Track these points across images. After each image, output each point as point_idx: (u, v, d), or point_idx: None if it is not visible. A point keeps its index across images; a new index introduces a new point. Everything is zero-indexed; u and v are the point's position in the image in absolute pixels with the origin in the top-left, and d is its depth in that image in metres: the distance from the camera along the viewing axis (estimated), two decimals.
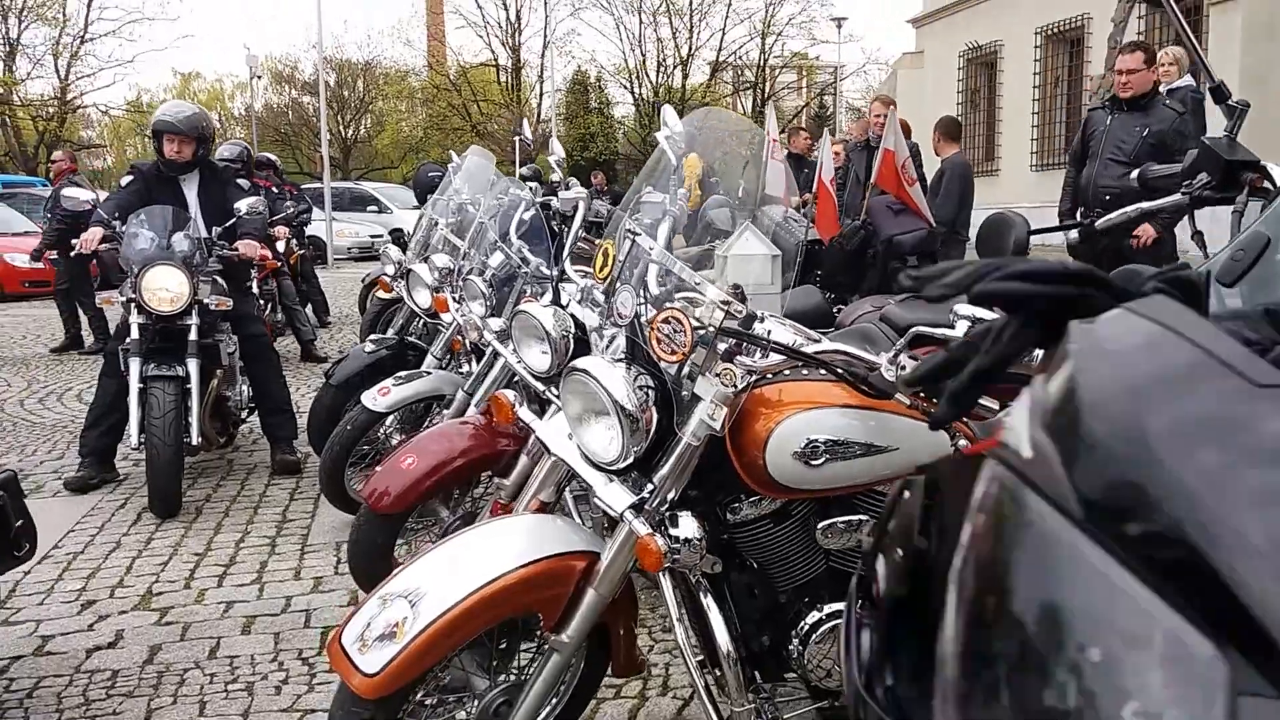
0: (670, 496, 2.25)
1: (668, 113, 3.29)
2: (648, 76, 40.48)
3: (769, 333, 2.25)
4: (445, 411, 4.72)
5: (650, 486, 2.27)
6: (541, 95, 42.90)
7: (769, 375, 2.28)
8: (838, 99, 44.57)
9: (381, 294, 8.37)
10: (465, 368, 5.34)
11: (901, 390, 2.09)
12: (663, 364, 2.29)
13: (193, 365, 5.03)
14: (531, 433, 2.81)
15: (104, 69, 45.78)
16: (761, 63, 40.52)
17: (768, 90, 40.99)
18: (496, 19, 41.97)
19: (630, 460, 2.26)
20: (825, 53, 40.57)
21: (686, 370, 2.27)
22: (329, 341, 11.17)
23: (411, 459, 3.52)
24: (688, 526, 2.23)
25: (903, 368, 2.07)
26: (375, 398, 4.62)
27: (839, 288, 5.15)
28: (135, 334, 5.04)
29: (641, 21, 39.84)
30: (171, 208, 5.42)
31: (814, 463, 2.22)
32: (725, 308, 2.15)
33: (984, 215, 3.75)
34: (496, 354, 4.19)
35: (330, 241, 21.86)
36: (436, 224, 5.66)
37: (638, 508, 2.24)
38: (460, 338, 4.90)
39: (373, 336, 5.73)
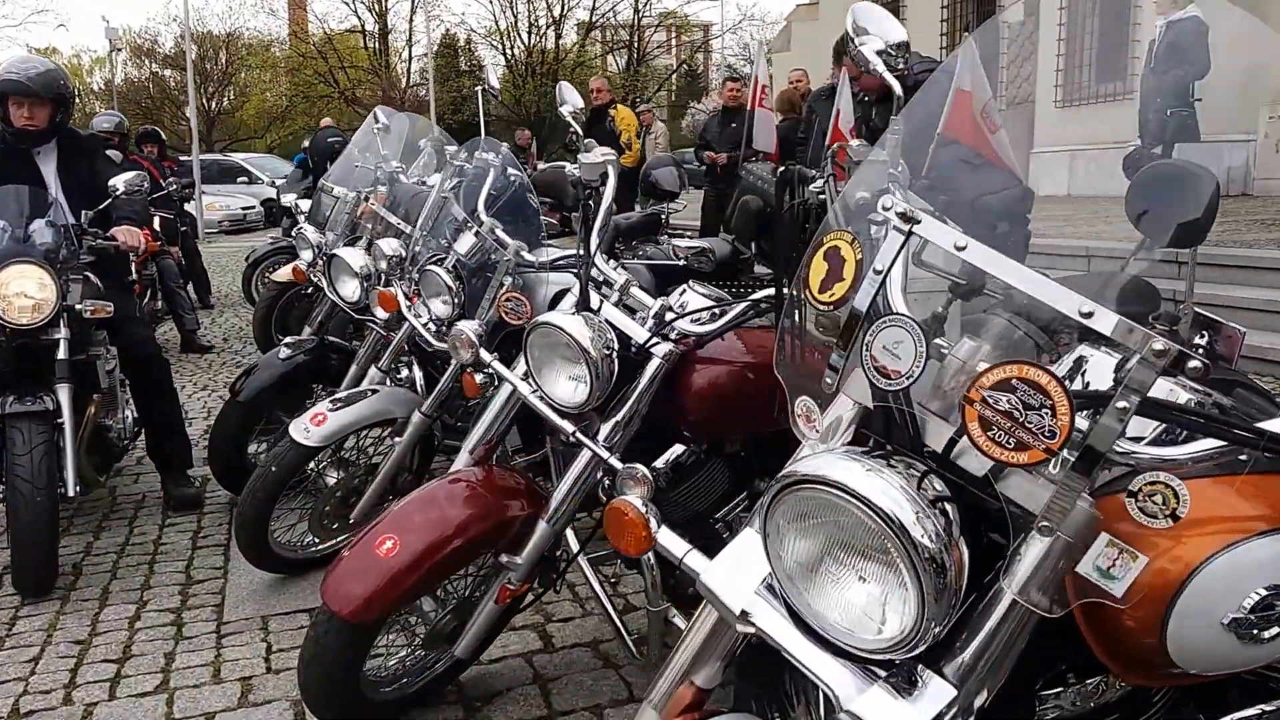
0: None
1: (564, 88, 3.29)
2: (520, 37, 38.89)
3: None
4: (397, 440, 3.56)
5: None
6: (410, 59, 41.08)
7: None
8: (708, 58, 43.65)
9: (278, 279, 7.10)
10: (404, 374, 4.19)
11: None
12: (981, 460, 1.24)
13: (64, 393, 3.67)
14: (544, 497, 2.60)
15: None
16: (635, 22, 39.21)
17: (641, 51, 39.76)
18: None
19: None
20: (703, 12, 39.44)
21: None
22: (211, 328, 9.74)
23: (390, 542, 2.39)
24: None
25: None
26: (307, 428, 3.44)
27: None
28: None
29: None
30: (26, 188, 4.04)
31: (1265, 633, 1.18)
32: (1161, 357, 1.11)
33: None
34: (491, 383, 3.07)
35: (200, 216, 20.09)
36: (363, 199, 4.44)
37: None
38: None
39: (287, 340, 4.49)
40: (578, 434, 2.45)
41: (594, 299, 2.58)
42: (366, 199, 4.37)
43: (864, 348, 1.38)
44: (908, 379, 1.33)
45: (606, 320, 2.47)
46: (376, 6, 39.84)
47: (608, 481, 2.51)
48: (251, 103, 42.67)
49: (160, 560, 4.00)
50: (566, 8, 38.31)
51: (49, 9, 62.83)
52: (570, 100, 4.10)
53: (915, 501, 1.26)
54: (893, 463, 1.33)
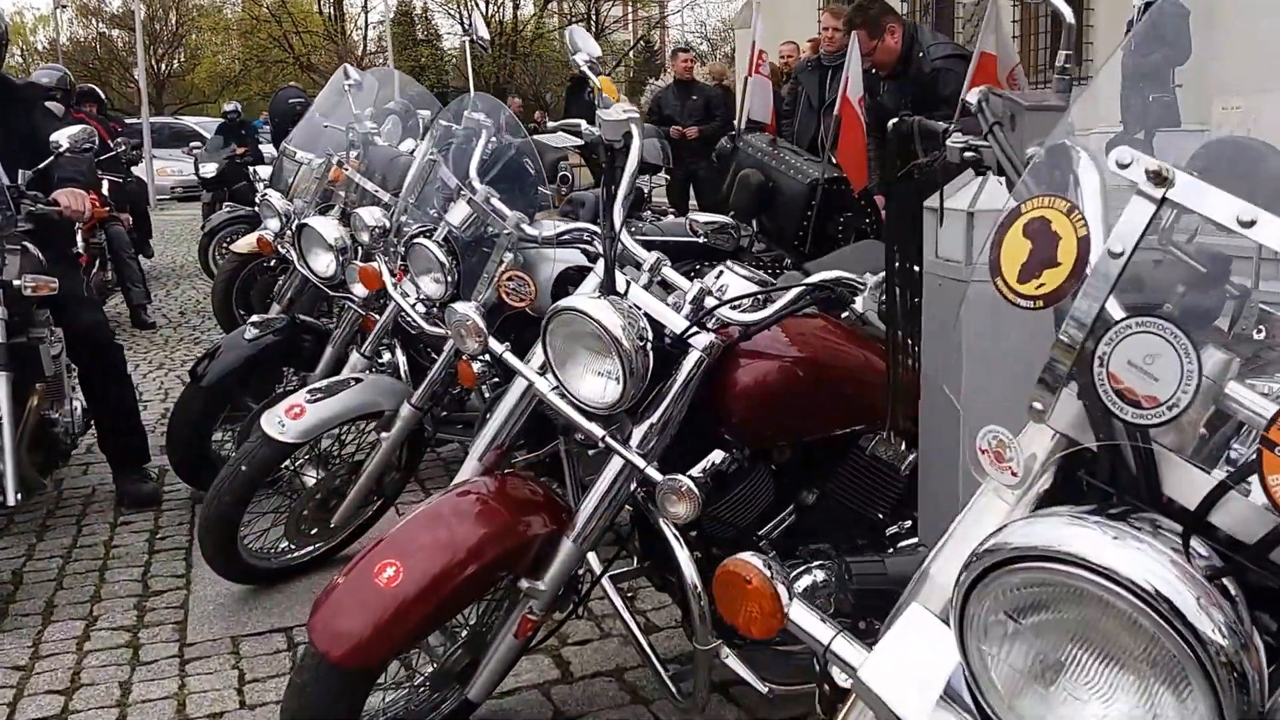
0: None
1: (577, 33, 2.85)
2: (478, 7, 38.01)
3: None
4: (384, 436, 3.15)
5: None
6: (367, 26, 40.15)
7: None
8: (664, 34, 42.97)
9: (238, 250, 6.62)
10: (386, 358, 3.77)
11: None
12: None
13: (2, 390, 3.20)
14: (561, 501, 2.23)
15: None
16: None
17: (600, 25, 39.06)
18: None
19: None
20: None
21: None
22: (166, 300, 9.21)
23: (392, 569, 1.99)
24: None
25: None
26: (282, 421, 3.01)
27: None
28: None
29: None
30: None
31: None
32: None
33: None
34: (490, 371, 2.68)
35: (152, 181, 19.31)
36: (334, 163, 3.99)
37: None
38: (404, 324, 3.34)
39: (254, 319, 4.04)
40: (608, 439, 2.05)
41: (620, 280, 2.18)
42: (340, 164, 3.91)
43: (1096, 361, 0.99)
44: (1169, 410, 0.94)
45: (637, 306, 2.07)
46: None
47: (642, 494, 2.13)
48: (203, 66, 41.51)
49: (113, 566, 3.56)
50: None
51: None
52: (585, 48, 3.68)
53: (1193, 580, 0.89)
54: (1138, 525, 0.95)
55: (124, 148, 8.61)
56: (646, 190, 5.50)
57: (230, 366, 3.87)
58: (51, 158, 3.60)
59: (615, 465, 2.09)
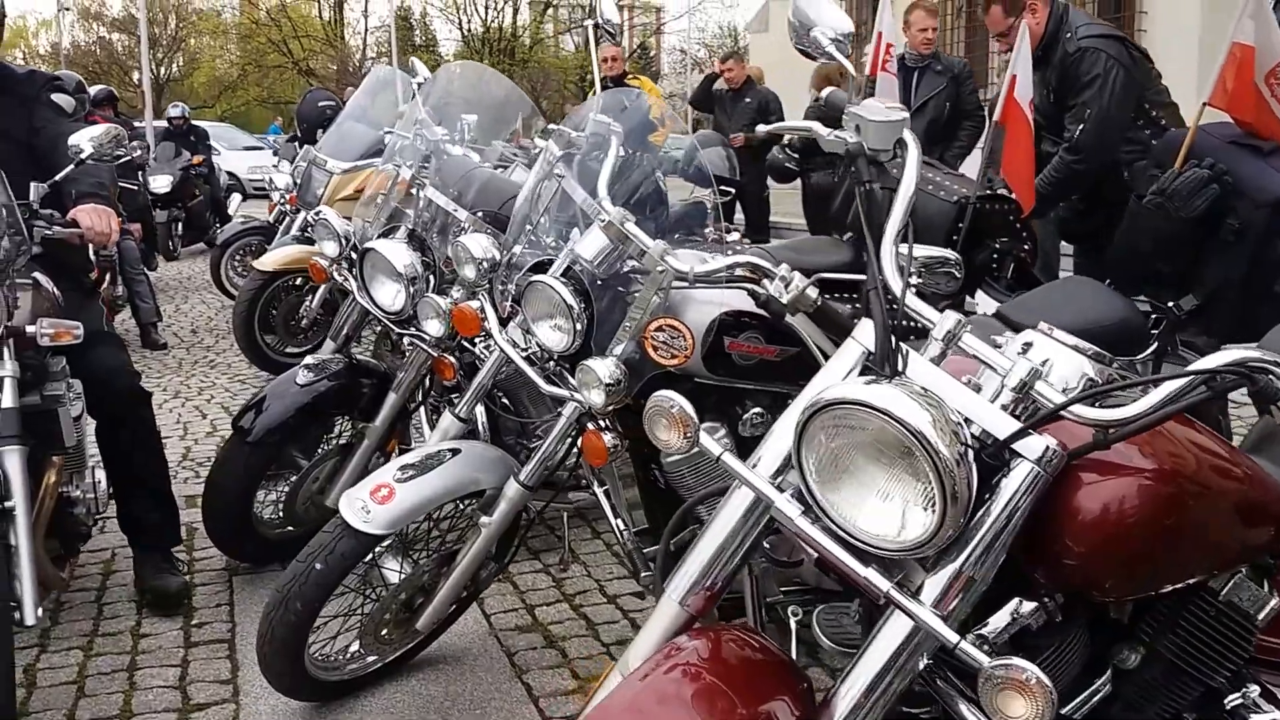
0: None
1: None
2: (477, 12, 37.32)
3: None
4: (484, 520, 2.49)
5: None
6: (366, 31, 39.43)
7: None
8: (660, 40, 42.31)
9: (262, 267, 5.94)
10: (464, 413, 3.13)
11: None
12: None
13: (12, 462, 2.39)
14: None
15: None
16: (593, 3, 37.71)
17: (599, 33, 38.30)
18: None
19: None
20: None
21: None
22: (175, 316, 8.50)
23: None
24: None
25: None
26: (366, 506, 2.34)
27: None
28: None
29: None
30: None
31: None
32: None
33: None
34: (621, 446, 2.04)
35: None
36: (400, 175, 3.32)
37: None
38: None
39: (308, 360, 3.37)
40: (893, 593, 1.38)
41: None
42: (416, 178, 3.23)
43: None
44: None
45: (936, 394, 1.41)
46: None
47: (941, 676, 1.46)
48: (202, 70, 40.79)
49: (143, 664, 2.88)
50: None
51: None
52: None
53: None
54: None
55: (138, 152, 7.91)
56: (714, 208, 4.85)
57: (280, 419, 3.21)
58: (70, 166, 2.88)
59: (898, 629, 1.42)
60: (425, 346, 3.16)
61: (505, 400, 3.32)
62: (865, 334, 1.55)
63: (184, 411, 5.53)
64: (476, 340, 3.02)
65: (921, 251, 2.43)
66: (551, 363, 2.41)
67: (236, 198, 13.11)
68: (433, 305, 3.03)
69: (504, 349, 2.46)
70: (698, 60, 38.38)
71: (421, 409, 3.55)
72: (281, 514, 3.50)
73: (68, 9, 34.63)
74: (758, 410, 2.52)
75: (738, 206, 8.34)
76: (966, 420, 1.38)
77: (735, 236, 4.46)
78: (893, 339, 1.44)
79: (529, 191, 2.55)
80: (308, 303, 5.98)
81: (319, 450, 3.53)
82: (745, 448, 2.39)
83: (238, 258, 8.45)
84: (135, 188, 7.92)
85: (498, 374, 2.72)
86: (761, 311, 2.27)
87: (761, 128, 2.45)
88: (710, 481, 2.45)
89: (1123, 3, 11.12)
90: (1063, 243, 4.52)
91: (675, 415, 1.55)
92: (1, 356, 2.45)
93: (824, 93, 2.05)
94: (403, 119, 3.57)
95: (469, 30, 37.25)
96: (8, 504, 2.33)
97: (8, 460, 2.39)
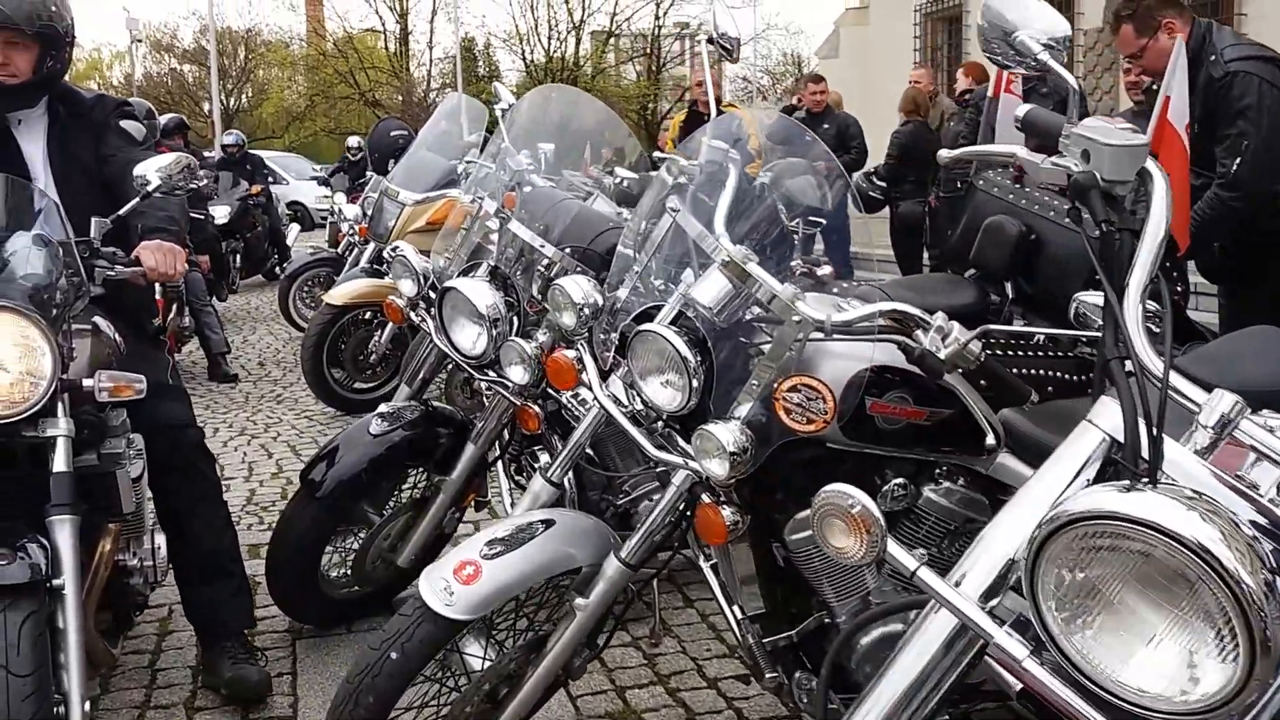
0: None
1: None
2: (540, 42, 37.42)
3: None
4: (579, 602, 2.16)
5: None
6: (431, 63, 39.71)
7: None
8: (722, 68, 42.12)
9: (331, 301, 5.70)
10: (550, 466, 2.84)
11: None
12: None
13: (64, 534, 2.07)
14: None
15: None
16: (655, 31, 37.65)
17: (660, 60, 38.26)
18: None
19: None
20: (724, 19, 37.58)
21: None
22: (243, 348, 8.33)
23: None
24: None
25: None
26: (449, 587, 2.03)
27: None
28: None
29: None
30: (9, 179, 2.47)
31: None
32: None
33: None
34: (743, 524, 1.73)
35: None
36: (482, 208, 3.03)
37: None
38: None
39: (383, 409, 3.09)
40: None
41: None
42: (500, 211, 2.94)
43: None
44: None
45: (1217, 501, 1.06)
46: (398, 6, 38.40)
47: None
48: (270, 101, 41.32)
49: None
50: (586, 13, 36.85)
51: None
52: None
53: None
54: None
55: (204, 182, 7.75)
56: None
57: (352, 472, 2.94)
58: (136, 199, 2.59)
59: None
60: (507, 394, 2.87)
61: (590, 452, 3.02)
62: (1107, 418, 1.21)
63: (249, 450, 5.29)
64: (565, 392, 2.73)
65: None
66: (660, 423, 2.09)
67: (295, 228, 12.98)
68: (517, 350, 2.75)
69: (605, 406, 2.14)
70: (761, 88, 38.13)
71: (500, 461, 3.25)
72: (349, 573, 3.22)
73: (140, 41, 35.27)
74: (899, 481, 2.17)
75: (817, 237, 7.97)
76: (1256, 536, 1.04)
77: (826, 270, 4.12)
78: (1153, 428, 1.10)
79: (637, 228, 2.24)
80: (377, 337, 5.76)
81: (391, 504, 3.25)
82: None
83: (306, 289, 8.29)
84: (202, 218, 7.75)
85: (595, 433, 2.39)
86: (910, 368, 1.95)
87: (945, 153, 2.14)
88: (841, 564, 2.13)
89: (1220, 5, 10.59)
90: (1201, 281, 4.09)
91: (857, 517, 1.23)
92: (55, 413, 2.14)
93: (1020, 111, 1.71)
94: (487, 147, 3.29)
95: (531, 61, 37.37)
96: (56, 582, 2.03)
97: (59, 533, 2.07)
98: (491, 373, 2.91)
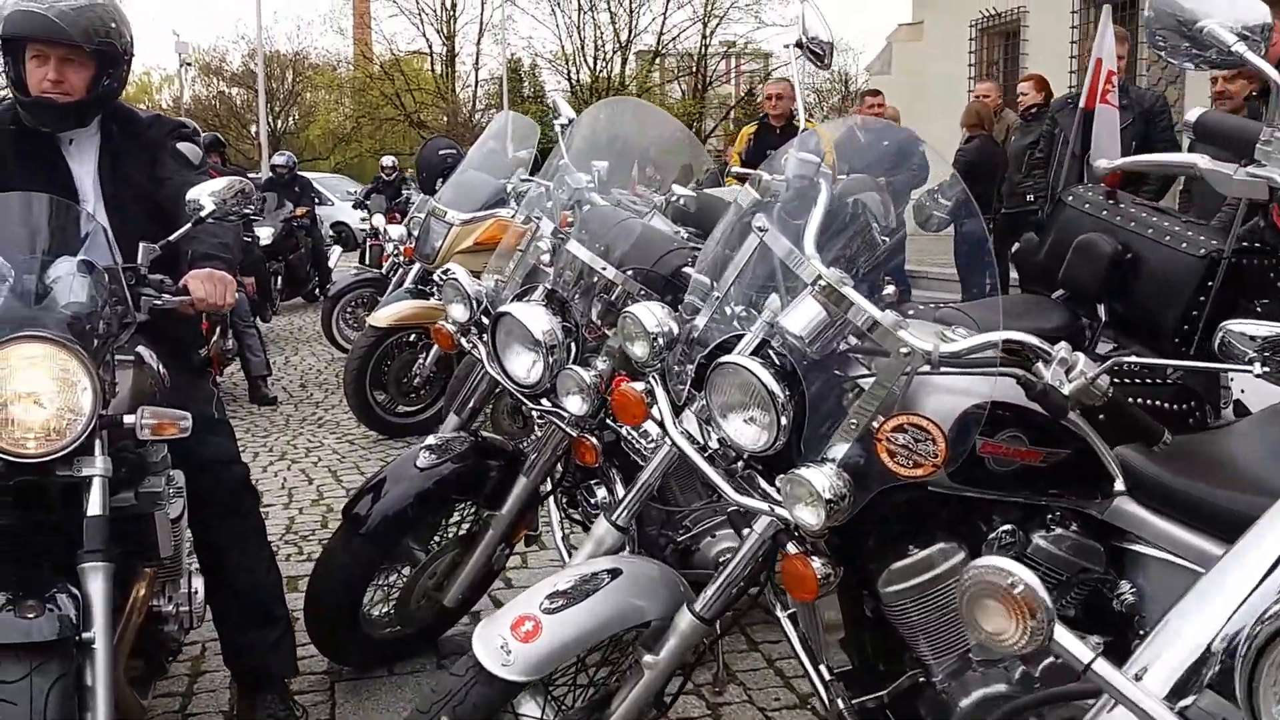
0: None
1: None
2: (586, 62, 37.50)
3: None
4: (647, 659, 1.95)
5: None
6: (476, 84, 39.91)
7: None
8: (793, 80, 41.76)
9: (376, 323, 5.54)
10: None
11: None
12: None
13: (96, 585, 1.88)
14: None
15: None
16: (702, 50, 37.61)
17: (706, 79, 38.19)
18: (432, 7, 38.58)
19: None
20: (773, 37, 37.43)
21: None
22: (285, 369, 8.20)
23: None
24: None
25: None
26: (508, 645, 1.83)
27: None
28: None
29: (580, 7, 36.78)
30: (45, 198, 2.24)
31: None
32: None
33: None
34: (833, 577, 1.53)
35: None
36: (539, 228, 2.84)
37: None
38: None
39: (430, 440, 2.90)
40: None
41: None
42: (558, 231, 2.75)
43: None
44: None
45: None
46: (445, 29, 38.65)
47: None
48: (317, 123, 41.68)
49: None
50: (633, 33, 36.90)
51: None
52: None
53: None
54: None
55: (250, 208, 7.63)
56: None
57: (397, 508, 2.75)
58: (187, 224, 2.40)
59: None
60: (563, 426, 2.68)
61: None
62: None
63: (289, 476, 5.13)
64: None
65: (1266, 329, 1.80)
66: (740, 463, 1.88)
67: (337, 250, 12.91)
68: (575, 379, 2.55)
69: (679, 446, 1.94)
70: (806, 105, 37.89)
71: (553, 495, 3.05)
72: (392, 612, 3.03)
73: (189, 64, 35.74)
74: (1007, 528, 1.96)
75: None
76: None
77: (890, 290, 3.89)
78: None
79: (714, 249, 2.04)
80: (422, 360, 5.60)
81: (436, 539, 3.06)
82: None
83: (349, 309, 8.17)
84: (250, 240, 7.65)
85: (666, 473, 2.18)
86: (1026, 403, 1.73)
87: (1104, 163, 1.93)
88: (944, 617, 1.90)
89: None
90: None
91: (1019, 599, 1.00)
92: (92, 451, 1.95)
93: (1190, 115, 1.49)
94: (545, 164, 3.10)
95: (577, 80, 37.43)
96: (86, 635, 1.83)
97: (91, 582, 1.88)
98: (546, 402, 2.72)
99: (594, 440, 2.65)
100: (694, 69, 37.90)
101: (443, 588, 2.97)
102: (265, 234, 9.31)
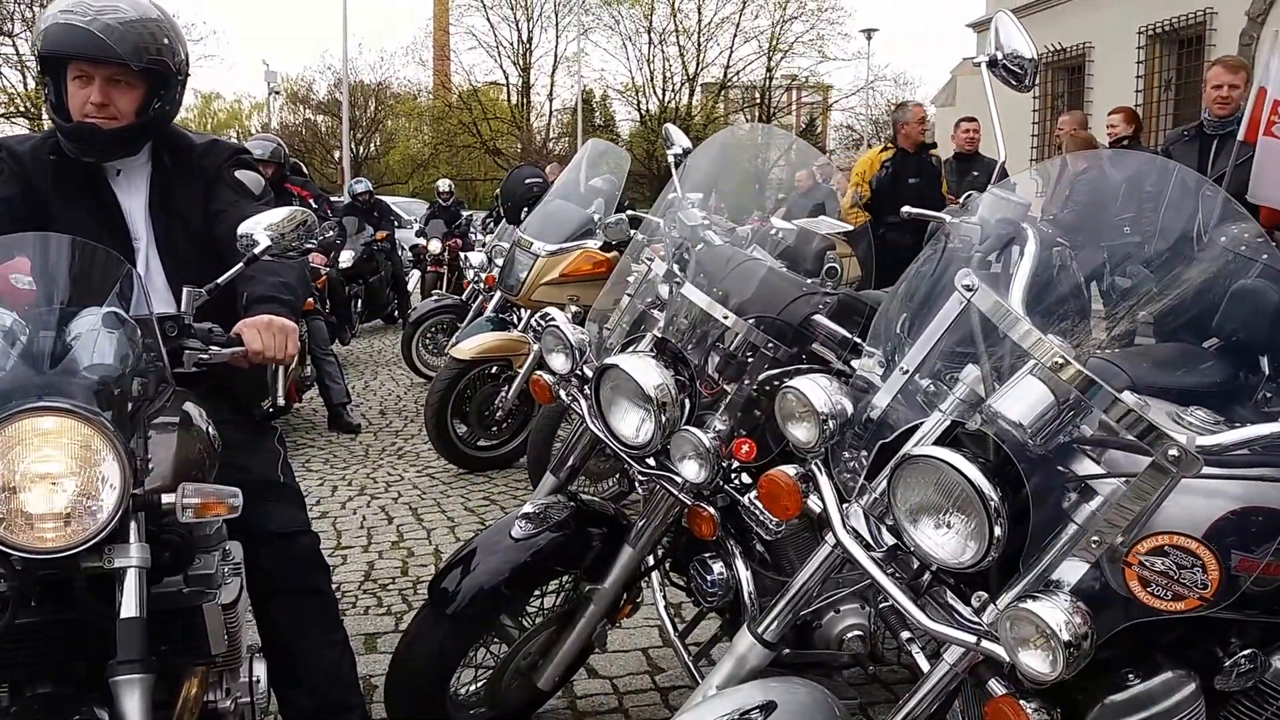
0: None
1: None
2: (655, 93, 37.34)
3: None
4: None
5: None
6: (550, 114, 39.94)
7: None
8: (827, 118, 41.40)
9: (458, 355, 5.18)
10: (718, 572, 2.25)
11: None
12: None
13: (132, 703, 1.44)
14: None
15: None
16: (766, 82, 37.26)
17: (770, 110, 37.81)
18: (510, 40, 38.74)
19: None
20: (834, 70, 37.11)
21: None
22: (364, 395, 7.88)
23: None
24: None
25: None
26: None
27: None
28: None
29: (650, 41, 36.66)
30: (64, 239, 1.77)
31: None
32: None
33: None
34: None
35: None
36: (651, 270, 2.44)
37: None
38: None
39: (527, 508, 2.49)
40: None
41: None
42: (673, 274, 2.34)
43: None
44: None
45: None
46: (521, 61, 38.77)
47: None
48: (397, 149, 42.03)
49: None
50: (701, 65, 36.68)
51: (214, 54, 63.14)
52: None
53: None
54: None
55: (330, 233, 7.34)
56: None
57: (490, 584, 2.34)
58: (239, 264, 2.00)
59: None
60: (676, 493, 2.27)
61: (761, 548, 2.42)
62: None
63: (369, 513, 4.76)
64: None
65: None
66: (927, 575, 1.45)
67: (415, 274, 12.66)
68: (691, 442, 2.17)
69: (849, 552, 1.51)
70: (865, 137, 37.30)
71: (658, 569, 2.64)
72: (481, 693, 2.63)
73: (278, 93, 36.17)
74: (1247, 653, 1.51)
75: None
76: None
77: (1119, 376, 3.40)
78: None
79: (898, 308, 1.61)
80: (503, 393, 5.22)
81: (530, 612, 2.65)
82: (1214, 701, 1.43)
83: (429, 335, 7.85)
84: (327, 270, 7.37)
85: (826, 577, 1.75)
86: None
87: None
88: None
89: None
90: None
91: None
92: (126, 538, 1.55)
93: None
94: (658, 199, 2.70)
95: (646, 111, 37.27)
96: None
97: (126, 699, 1.47)
98: (653, 462, 2.31)
99: (712, 510, 2.25)
100: (758, 100, 37.52)
101: (537, 667, 2.57)
102: (346, 257, 9.05)
